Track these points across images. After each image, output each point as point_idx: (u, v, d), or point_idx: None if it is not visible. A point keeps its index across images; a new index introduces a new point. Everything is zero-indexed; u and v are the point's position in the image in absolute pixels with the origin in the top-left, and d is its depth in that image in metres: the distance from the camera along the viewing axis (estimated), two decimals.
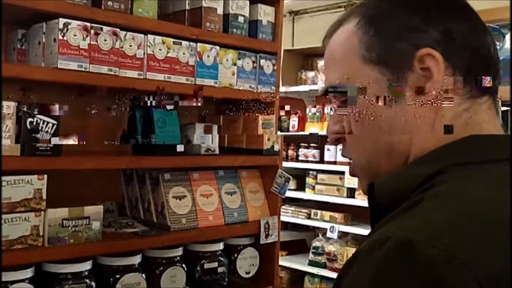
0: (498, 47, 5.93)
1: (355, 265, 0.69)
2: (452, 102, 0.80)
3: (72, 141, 1.79)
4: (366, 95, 0.83)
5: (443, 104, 0.80)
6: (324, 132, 4.57)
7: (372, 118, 0.83)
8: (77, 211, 1.80)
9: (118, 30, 1.87)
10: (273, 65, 2.38)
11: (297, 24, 6.02)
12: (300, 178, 4.81)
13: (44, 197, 1.73)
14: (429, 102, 0.79)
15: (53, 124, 1.71)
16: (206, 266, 2.20)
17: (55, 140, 1.70)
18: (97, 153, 2.13)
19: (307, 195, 4.78)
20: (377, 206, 0.84)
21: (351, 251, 4.37)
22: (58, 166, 1.76)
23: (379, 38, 0.82)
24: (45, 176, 1.73)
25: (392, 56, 0.81)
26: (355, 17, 0.86)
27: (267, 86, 2.37)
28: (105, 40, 1.83)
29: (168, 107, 2.06)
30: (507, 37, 5.77)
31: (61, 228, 1.76)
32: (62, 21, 1.73)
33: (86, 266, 1.82)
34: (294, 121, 4.87)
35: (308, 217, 4.76)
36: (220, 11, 2.17)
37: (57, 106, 1.70)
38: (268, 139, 2.36)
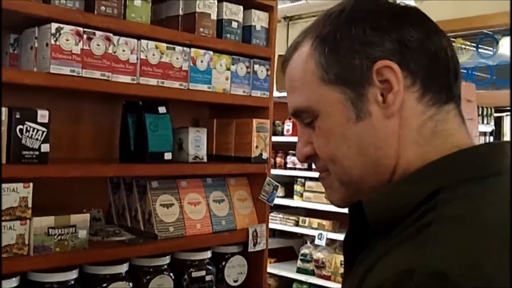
0: (491, 53, 5.96)
1: None
2: (416, 111, 0.80)
3: (61, 148, 1.75)
4: (331, 116, 0.82)
5: (405, 114, 0.79)
6: None
7: (343, 138, 0.82)
8: (63, 220, 1.76)
9: (111, 35, 1.84)
10: (267, 70, 2.36)
11: (291, 29, 6.02)
12: (288, 185, 4.79)
13: (30, 205, 1.69)
14: (392, 114, 0.79)
15: (43, 132, 1.68)
16: (194, 274, 2.17)
17: (45, 147, 1.67)
18: (84, 160, 2.11)
19: (295, 202, 4.77)
20: (362, 225, 0.81)
21: (339, 258, 4.37)
22: (45, 174, 1.73)
23: (334, 57, 0.81)
24: (31, 184, 1.69)
25: (350, 73, 0.80)
26: (309, 39, 0.85)
27: (261, 91, 2.35)
28: (97, 45, 1.79)
29: (161, 111, 2.03)
30: (502, 42, 5.82)
31: (47, 237, 1.72)
32: (54, 25, 1.70)
33: (73, 275, 1.79)
34: (288, 125, 4.86)
35: (296, 224, 4.76)
36: (213, 16, 2.15)
37: (47, 112, 1.67)
38: (257, 147, 2.34)
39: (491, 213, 0.69)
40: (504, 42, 5.86)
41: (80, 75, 1.76)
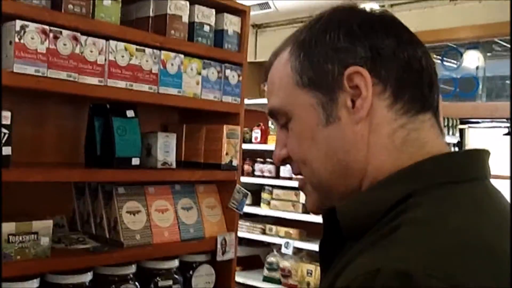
0: (455, 66, 6.07)
1: None
2: (386, 118, 0.80)
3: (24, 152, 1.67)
4: (303, 119, 0.84)
5: (375, 120, 0.80)
6: None
7: (312, 141, 0.83)
8: (25, 226, 1.69)
9: (79, 34, 1.77)
10: (239, 75, 2.32)
11: (259, 38, 6.02)
12: (256, 193, 4.76)
13: None
14: (360, 120, 0.80)
15: (5, 134, 1.60)
16: (161, 284, 2.12)
17: (7, 150, 1.59)
18: (48, 164, 2.03)
19: (263, 210, 4.74)
20: (336, 231, 0.81)
21: (305, 267, 4.35)
22: (6, 178, 1.64)
23: (308, 62, 0.83)
24: None
25: (323, 78, 0.82)
26: (288, 45, 0.88)
27: (232, 97, 2.30)
28: (64, 45, 1.73)
29: (129, 115, 1.97)
30: (465, 55, 5.92)
31: (8, 244, 1.64)
32: (19, 23, 1.63)
33: (34, 284, 1.71)
34: (256, 133, 4.82)
35: (263, 232, 4.72)
36: (185, 19, 2.10)
37: (9, 114, 1.59)
38: (227, 154, 2.30)
39: (459, 216, 0.70)
40: (468, 55, 5.98)
41: (45, 75, 1.69)
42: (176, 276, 2.17)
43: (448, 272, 0.62)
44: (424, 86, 0.82)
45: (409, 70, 0.81)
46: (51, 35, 1.70)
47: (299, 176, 0.91)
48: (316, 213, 0.92)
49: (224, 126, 2.28)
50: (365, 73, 0.79)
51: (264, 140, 4.81)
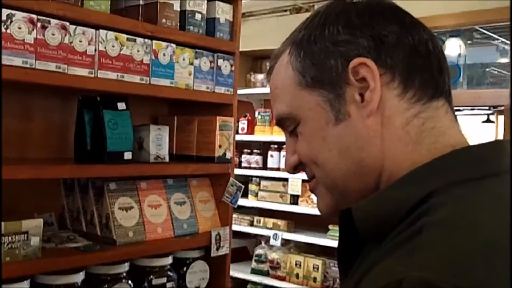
0: None
1: None
2: (399, 108, 0.76)
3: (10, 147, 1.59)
4: (312, 120, 0.81)
5: (387, 112, 0.76)
6: (272, 138, 4.49)
7: (324, 141, 0.80)
8: (14, 226, 1.60)
9: (67, 23, 1.68)
10: (231, 65, 2.25)
11: (243, 27, 5.92)
12: (243, 184, 4.69)
13: None
14: (371, 113, 0.77)
15: None
16: (154, 282, 2.06)
17: None
18: (36, 160, 1.94)
19: (250, 202, 4.69)
20: (353, 232, 0.76)
21: (294, 258, 4.32)
22: None
23: (310, 60, 0.80)
24: None
25: (326, 74, 0.79)
26: (287, 46, 0.85)
27: (224, 87, 2.23)
28: (53, 35, 1.64)
29: (120, 107, 1.89)
30: (447, 43, 5.91)
31: None
32: (5, 12, 1.54)
33: (24, 285, 1.64)
34: (243, 124, 4.75)
35: (251, 224, 4.68)
36: (176, 7, 2.02)
37: None
38: (220, 146, 2.23)
39: (485, 216, 0.65)
40: (450, 43, 5.97)
41: (33, 67, 1.60)
42: (170, 273, 2.11)
43: (475, 278, 0.57)
44: (434, 70, 0.78)
45: (416, 55, 0.77)
46: (38, 24, 1.61)
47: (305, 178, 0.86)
48: (330, 215, 0.87)
49: (217, 118, 2.21)
50: (371, 63, 0.75)
51: (251, 131, 4.75)
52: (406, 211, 0.69)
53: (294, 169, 0.88)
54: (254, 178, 4.72)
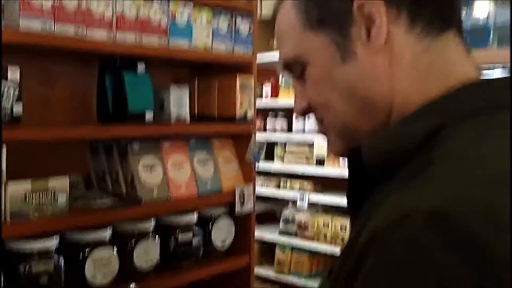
0: (464, 14, 5.94)
1: (372, 250, 0.59)
2: (407, 44, 0.74)
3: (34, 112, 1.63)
4: (318, 62, 0.79)
5: (395, 49, 0.74)
6: None
7: (331, 82, 0.78)
8: (41, 184, 1.66)
9: None
10: (250, 25, 2.25)
11: None
12: (268, 148, 4.72)
13: (4, 169, 1.58)
14: (378, 50, 0.74)
15: (14, 89, 1.56)
16: (180, 238, 2.11)
17: (18, 107, 1.55)
18: (59, 123, 1.99)
19: (276, 165, 4.71)
20: (362, 172, 0.76)
21: (321, 219, 4.34)
22: (17, 136, 1.61)
23: (313, 1, 0.79)
24: (4, 145, 1.57)
25: (331, 13, 0.77)
26: None
27: (243, 48, 2.24)
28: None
29: (140, 69, 1.92)
30: (475, 3, 5.76)
31: (24, 203, 1.62)
32: None
33: (53, 240, 1.70)
34: (267, 87, 4.74)
35: (278, 187, 4.70)
36: None
37: (18, 68, 1.54)
38: (241, 105, 2.25)
39: (497, 148, 0.63)
40: (478, 3, 5.81)
41: (52, 31, 1.63)
42: (196, 230, 2.15)
43: (489, 206, 0.56)
44: (443, 1, 0.75)
45: None
46: None
47: (313, 128, 0.85)
48: (341, 155, 0.86)
49: (237, 77, 2.22)
50: None
51: (275, 95, 4.74)
52: (416, 145, 0.68)
53: (303, 114, 0.87)
54: (279, 142, 4.73)
